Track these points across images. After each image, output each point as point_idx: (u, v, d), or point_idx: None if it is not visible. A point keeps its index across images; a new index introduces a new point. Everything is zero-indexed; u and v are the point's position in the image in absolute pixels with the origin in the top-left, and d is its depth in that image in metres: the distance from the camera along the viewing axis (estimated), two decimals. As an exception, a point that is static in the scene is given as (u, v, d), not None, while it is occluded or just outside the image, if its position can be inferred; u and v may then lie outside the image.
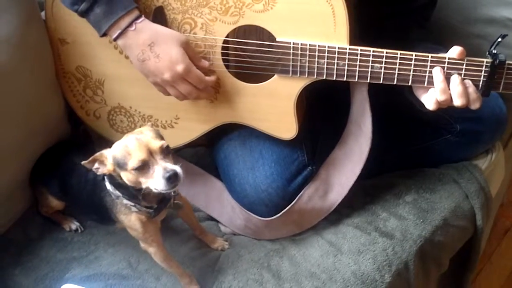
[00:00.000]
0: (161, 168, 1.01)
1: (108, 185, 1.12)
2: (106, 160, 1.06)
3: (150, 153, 1.02)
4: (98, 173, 1.07)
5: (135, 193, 1.10)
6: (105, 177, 1.12)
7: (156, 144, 1.03)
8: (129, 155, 1.02)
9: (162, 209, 1.16)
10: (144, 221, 1.15)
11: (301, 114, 1.31)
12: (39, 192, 1.35)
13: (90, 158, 1.05)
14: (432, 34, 1.37)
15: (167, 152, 1.04)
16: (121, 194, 1.12)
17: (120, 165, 1.04)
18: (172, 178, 1.01)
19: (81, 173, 1.21)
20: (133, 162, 1.01)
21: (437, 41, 1.32)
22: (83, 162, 1.05)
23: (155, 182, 1.02)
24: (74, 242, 1.36)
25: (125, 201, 1.12)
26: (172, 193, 1.17)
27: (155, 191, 1.03)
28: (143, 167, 1.02)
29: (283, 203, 1.32)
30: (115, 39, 1.15)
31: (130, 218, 1.15)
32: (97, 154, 1.06)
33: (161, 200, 1.15)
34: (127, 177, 1.04)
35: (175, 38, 1.16)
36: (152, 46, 1.15)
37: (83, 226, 1.38)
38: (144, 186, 1.04)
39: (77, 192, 1.25)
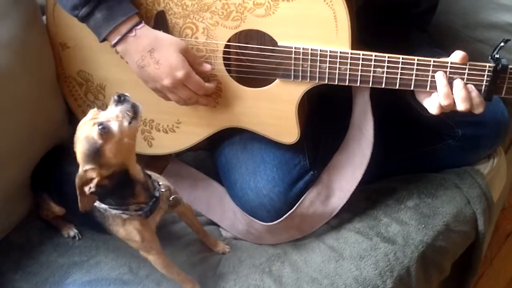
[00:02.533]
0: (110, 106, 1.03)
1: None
2: (87, 173, 1.01)
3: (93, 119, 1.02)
4: (95, 191, 1.03)
5: (124, 190, 1.08)
6: None
7: (92, 112, 1.04)
8: (89, 136, 1.00)
9: (154, 208, 1.14)
10: (140, 229, 1.14)
11: (303, 118, 1.30)
12: (40, 196, 1.35)
13: (79, 197, 1.02)
14: (433, 38, 1.37)
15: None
16: (107, 206, 1.10)
17: (95, 153, 1.00)
18: (118, 97, 1.02)
19: (74, 183, 1.18)
20: (94, 131, 1.00)
21: (439, 45, 1.32)
22: (81, 208, 1.03)
23: (114, 116, 1.01)
24: (75, 247, 1.35)
25: (113, 212, 1.11)
26: (162, 188, 1.16)
27: (122, 126, 1.01)
28: (105, 129, 1.00)
29: (284, 208, 1.32)
30: (114, 45, 1.15)
31: (125, 228, 1.14)
32: (77, 182, 1.01)
33: (152, 197, 1.13)
34: (111, 152, 1.01)
35: (174, 44, 1.16)
36: (152, 52, 1.15)
37: (83, 233, 1.38)
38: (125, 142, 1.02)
39: (72, 201, 1.23)
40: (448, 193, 1.46)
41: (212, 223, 1.44)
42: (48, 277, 1.28)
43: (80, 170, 1.01)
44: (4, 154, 1.24)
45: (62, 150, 1.38)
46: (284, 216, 1.32)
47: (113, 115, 1.02)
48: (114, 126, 1.01)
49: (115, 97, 1.03)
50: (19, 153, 1.28)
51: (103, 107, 1.34)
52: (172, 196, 1.20)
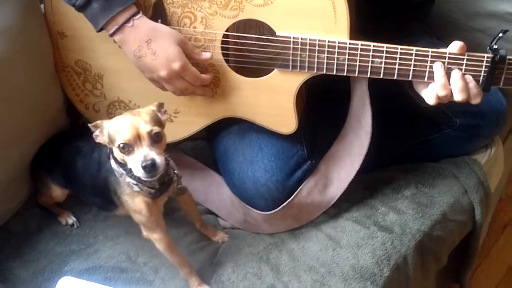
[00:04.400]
0: (142, 155, 1.02)
1: (113, 163, 1.13)
2: (103, 130, 1.07)
3: (138, 135, 1.02)
4: (96, 141, 1.09)
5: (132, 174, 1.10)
6: (110, 155, 1.13)
7: (145, 128, 1.03)
8: (118, 132, 1.03)
9: (164, 191, 1.16)
10: (149, 203, 1.15)
11: (301, 108, 1.31)
12: (42, 181, 1.35)
13: (94, 123, 1.08)
14: (432, 28, 1.37)
15: (156, 139, 1.04)
16: (124, 172, 1.12)
17: (111, 139, 1.05)
18: (148, 168, 1.01)
19: (86, 155, 1.23)
20: (118, 140, 1.03)
21: (437, 35, 1.32)
22: (90, 124, 1.09)
23: (134, 167, 1.03)
24: (73, 235, 1.36)
25: (128, 179, 1.12)
26: (175, 177, 1.18)
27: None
28: (127, 148, 1.03)
29: (282, 197, 1.32)
30: (111, 35, 1.15)
31: (135, 199, 1.15)
32: (99, 121, 1.08)
33: (163, 182, 1.15)
34: (116, 152, 1.06)
35: (172, 36, 1.16)
36: (149, 43, 1.15)
37: (81, 221, 1.38)
38: (128, 166, 1.05)
39: (82, 175, 1.25)
40: (445, 183, 1.46)
41: (210, 212, 1.45)
42: (46, 265, 1.29)
43: (106, 123, 1.07)
44: (3, 142, 1.24)
45: (68, 133, 1.41)
46: (282, 206, 1.32)
47: (136, 155, 1.03)
48: (132, 155, 1.04)
49: (145, 169, 1.02)
50: (17, 142, 1.28)
51: (101, 96, 1.35)
52: (179, 186, 1.21)
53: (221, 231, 1.40)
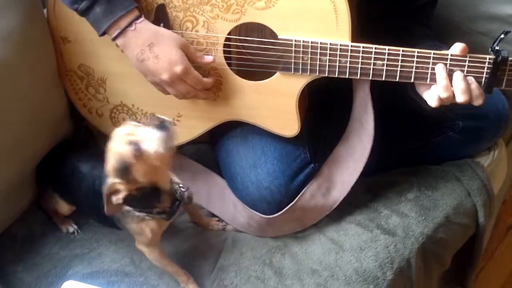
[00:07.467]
0: (150, 127, 1.00)
1: None
2: (115, 185, 1.04)
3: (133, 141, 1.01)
4: (121, 203, 1.05)
5: (152, 199, 1.09)
6: None
7: (130, 125, 1.03)
8: (122, 153, 1.01)
9: (176, 210, 1.16)
10: (153, 228, 1.16)
11: (304, 111, 1.31)
12: (48, 194, 1.35)
13: (106, 204, 1.03)
14: (434, 31, 1.37)
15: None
16: (131, 208, 1.11)
17: (125, 171, 1.02)
18: (162, 123, 1.00)
19: (89, 184, 1.21)
20: (128, 150, 1.00)
21: (439, 38, 1.32)
22: (107, 212, 1.05)
23: (152, 140, 1.00)
24: (76, 239, 1.36)
25: (137, 213, 1.13)
26: (185, 192, 1.18)
27: (157, 152, 1.00)
28: (139, 151, 1.00)
29: (285, 201, 1.32)
30: (114, 39, 1.16)
31: (141, 226, 1.15)
32: (105, 192, 1.03)
33: (174, 200, 1.15)
34: (141, 172, 1.03)
35: (174, 40, 1.17)
36: (151, 47, 1.15)
37: (84, 225, 1.39)
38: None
39: (86, 200, 1.25)
40: (448, 185, 1.46)
41: (213, 215, 1.45)
42: (50, 269, 1.29)
43: (109, 181, 1.03)
44: (7, 147, 1.24)
45: (72, 149, 1.39)
46: (285, 209, 1.32)
47: (150, 138, 1.01)
48: (149, 149, 1.01)
49: (157, 122, 1.02)
50: (22, 147, 1.29)
51: (104, 100, 1.35)
52: (187, 196, 1.21)
53: (214, 219, 1.41)
